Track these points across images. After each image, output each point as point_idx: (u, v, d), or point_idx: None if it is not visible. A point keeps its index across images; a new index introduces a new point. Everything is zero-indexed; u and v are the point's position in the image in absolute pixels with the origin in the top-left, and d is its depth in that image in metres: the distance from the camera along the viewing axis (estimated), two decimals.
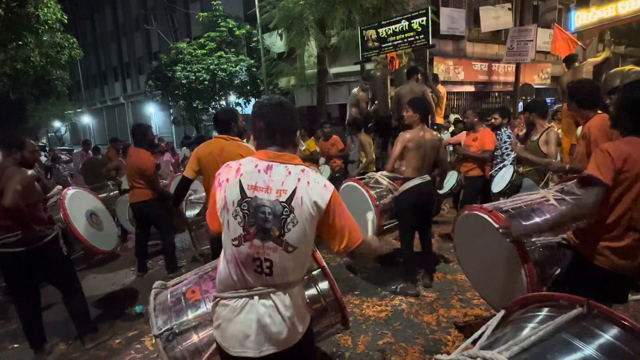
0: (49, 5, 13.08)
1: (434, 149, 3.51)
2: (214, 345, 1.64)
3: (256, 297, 1.38)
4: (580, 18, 10.03)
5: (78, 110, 32.67)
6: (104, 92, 34.33)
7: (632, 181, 1.76)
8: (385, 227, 3.90)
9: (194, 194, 4.71)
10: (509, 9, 14.76)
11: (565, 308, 1.10)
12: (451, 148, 6.57)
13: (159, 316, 1.83)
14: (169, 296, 1.96)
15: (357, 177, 4.19)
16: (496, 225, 2.16)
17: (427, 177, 3.56)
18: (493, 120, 4.81)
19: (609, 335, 1.01)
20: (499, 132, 4.65)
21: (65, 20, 14.11)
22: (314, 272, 2.04)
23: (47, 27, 13.21)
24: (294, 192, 1.34)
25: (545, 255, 2.13)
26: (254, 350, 1.36)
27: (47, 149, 17.00)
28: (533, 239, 2.10)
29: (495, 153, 4.57)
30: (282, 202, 1.34)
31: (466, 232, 2.60)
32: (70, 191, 4.35)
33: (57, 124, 28.42)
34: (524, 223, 2.19)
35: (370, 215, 1.88)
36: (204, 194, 3.42)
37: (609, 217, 1.82)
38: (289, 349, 1.41)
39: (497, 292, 2.37)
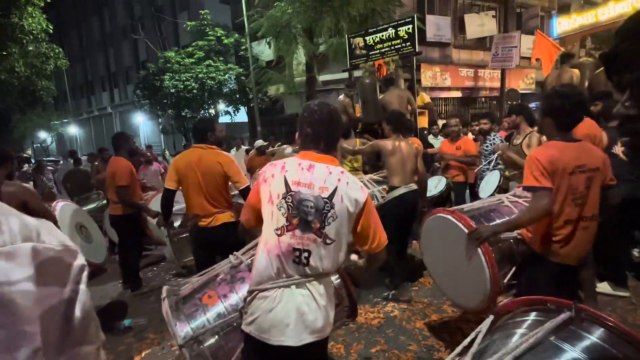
0: (33, 15, 12.95)
1: (411, 156, 3.60)
2: (240, 349, 1.70)
3: (293, 287, 1.46)
4: (562, 24, 10.29)
5: (64, 120, 32.22)
6: (91, 102, 33.95)
7: (560, 180, 1.98)
8: None
9: (175, 205, 4.66)
10: (493, 16, 15.07)
11: (553, 312, 1.10)
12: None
13: (178, 324, 1.77)
14: (181, 303, 1.91)
15: None
16: (460, 225, 2.35)
17: (413, 186, 3.60)
18: (482, 126, 4.87)
19: (596, 337, 1.02)
20: (488, 136, 4.71)
21: (51, 30, 13.97)
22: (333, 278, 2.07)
23: (32, 37, 13.07)
24: (335, 190, 1.47)
25: (505, 251, 2.35)
26: (294, 339, 1.43)
27: (33, 160, 16.71)
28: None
29: (484, 159, 4.64)
30: (324, 198, 1.46)
31: (431, 234, 2.74)
32: (59, 204, 4.28)
33: (42, 134, 27.97)
34: (485, 224, 2.39)
35: None
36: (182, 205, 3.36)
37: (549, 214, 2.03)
38: (321, 341, 1.50)
39: (463, 291, 2.51)
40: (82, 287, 0.61)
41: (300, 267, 1.47)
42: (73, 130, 33.31)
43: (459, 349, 1.16)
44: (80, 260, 0.62)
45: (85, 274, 0.62)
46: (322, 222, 1.45)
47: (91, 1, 30.43)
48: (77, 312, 0.59)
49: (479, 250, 2.23)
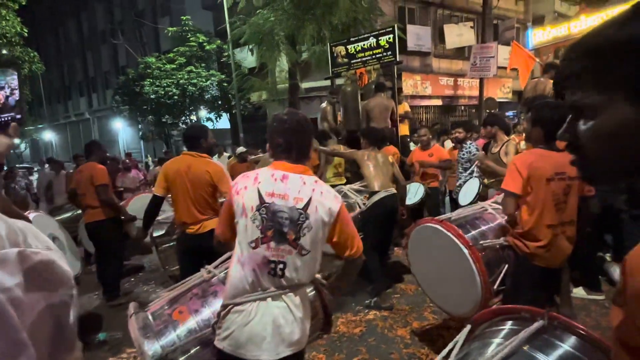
0: (7, 18, 12.58)
1: (386, 164, 3.76)
2: None
3: (269, 299, 1.44)
4: (537, 36, 10.66)
5: (39, 126, 31.28)
6: (68, 107, 33.10)
7: (536, 185, 2.09)
8: None
9: (162, 214, 4.57)
10: (471, 27, 15.48)
11: (528, 321, 1.12)
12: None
13: (146, 342, 1.69)
14: (151, 319, 1.82)
15: None
16: (450, 234, 2.41)
17: (392, 190, 3.71)
18: (457, 135, 4.95)
19: (569, 345, 1.04)
20: (465, 145, 4.78)
21: (25, 34, 13.59)
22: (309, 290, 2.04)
23: (5, 40, 12.68)
24: (309, 200, 1.46)
25: (493, 256, 2.42)
26: (271, 353, 1.41)
27: (6, 167, 16.11)
28: (480, 242, 2.40)
29: (460, 166, 4.71)
30: (299, 209, 1.45)
31: (420, 244, 2.79)
32: (31, 215, 4.12)
33: (16, 140, 27.04)
34: (472, 231, 2.51)
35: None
36: (172, 214, 3.31)
37: (531, 219, 2.15)
38: (298, 354, 1.48)
39: (454, 298, 2.56)
40: (75, 291, 0.60)
41: (275, 279, 1.45)
42: (49, 136, 32.37)
43: (438, 359, 1.16)
44: (66, 264, 0.60)
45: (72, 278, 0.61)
46: (297, 233, 1.45)
47: (69, 5, 29.79)
48: (71, 317, 0.59)
49: (469, 257, 2.30)
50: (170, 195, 2.95)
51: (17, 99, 0.95)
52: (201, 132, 3.00)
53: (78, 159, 6.87)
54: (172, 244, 4.18)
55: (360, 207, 3.81)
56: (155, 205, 2.98)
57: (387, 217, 3.69)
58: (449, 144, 5.54)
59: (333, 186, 4.53)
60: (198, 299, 1.89)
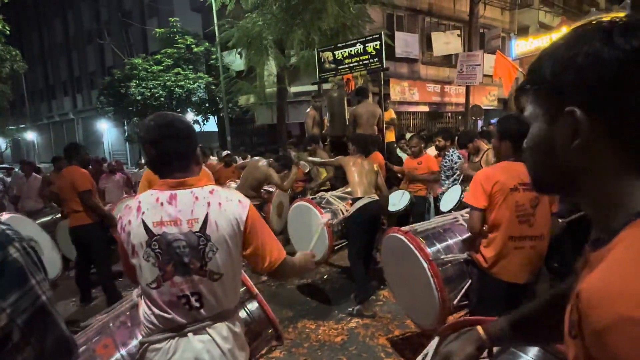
0: None
1: (371, 172, 3.79)
2: None
3: (190, 334, 1.28)
4: (520, 46, 10.88)
5: (21, 125, 30.54)
6: (52, 107, 32.42)
7: (502, 200, 2.09)
8: (336, 247, 3.96)
9: None
10: (458, 35, 15.71)
11: None
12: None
13: None
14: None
15: (309, 197, 4.23)
16: (411, 247, 2.41)
17: (374, 196, 3.73)
18: (437, 143, 5.01)
19: (530, 356, 1.06)
20: (447, 153, 4.83)
21: (8, 32, 13.28)
22: (246, 300, 1.94)
23: None
24: (206, 218, 1.25)
25: (455, 271, 2.42)
26: None
27: None
28: (442, 256, 2.40)
29: (443, 174, 4.76)
30: (196, 232, 1.25)
31: (389, 253, 2.82)
32: (4, 217, 4.00)
33: None
34: (437, 245, 2.51)
35: (317, 230, 1.87)
36: None
37: (495, 233, 2.15)
38: None
39: (417, 309, 2.60)
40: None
41: (193, 312, 1.27)
42: (31, 136, 31.64)
43: None
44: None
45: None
46: (201, 260, 1.25)
47: (55, 3, 29.26)
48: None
49: (428, 272, 2.30)
50: None
51: None
52: None
53: (59, 162, 6.58)
54: None
55: (343, 213, 3.81)
56: None
57: (370, 223, 3.71)
58: (432, 151, 5.59)
59: (318, 192, 4.56)
60: (126, 329, 1.67)
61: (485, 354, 1.12)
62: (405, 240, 2.46)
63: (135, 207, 1.29)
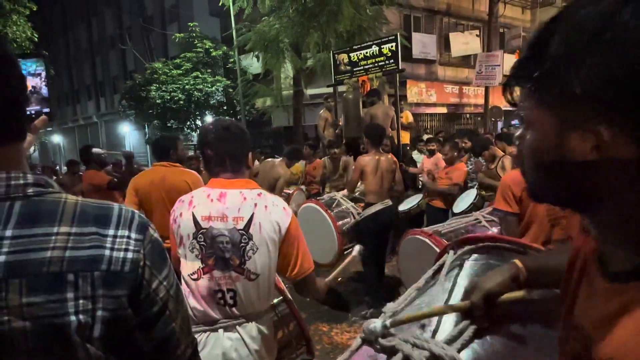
0: (18, 23, 12.81)
1: (389, 171, 3.63)
2: None
3: (221, 331, 1.33)
4: None
5: (48, 129, 31.67)
6: (77, 111, 33.53)
7: (533, 203, 1.97)
8: (345, 252, 3.91)
9: None
10: (477, 35, 15.48)
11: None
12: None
13: None
14: None
15: (317, 198, 4.16)
16: (436, 248, 2.35)
17: (389, 202, 3.64)
18: (462, 144, 4.93)
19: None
20: (471, 156, 4.76)
21: (36, 39, 13.82)
22: (275, 301, 1.97)
23: (15, 45, 12.89)
24: (251, 218, 1.32)
25: None
26: None
27: None
28: None
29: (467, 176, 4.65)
30: (240, 229, 1.31)
31: (409, 255, 2.76)
32: None
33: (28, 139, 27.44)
34: None
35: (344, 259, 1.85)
36: None
37: (526, 238, 2.02)
38: None
39: None
40: None
41: (226, 309, 1.33)
42: (57, 139, 32.78)
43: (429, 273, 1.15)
44: None
45: None
46: (241, 257, 1.31)
47: (80, 10, 30.31)
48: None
49: None
50: (142, 209, 2.76)
51: (46, 93, 0.95)
52: (170, 142, 2.90)
53: (73, 166, 6.65)
54: None
55: (354, 216, 3.77)
56: None
57: (382, 229, 3.64)
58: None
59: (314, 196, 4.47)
60: None
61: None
62: (430, 243, 2.42)
63: (188, 201, 1.39)
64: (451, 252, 1.21)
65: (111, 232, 0.66)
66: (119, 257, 0.64)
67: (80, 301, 0.60)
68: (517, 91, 0.47)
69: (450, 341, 0.81)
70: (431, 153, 5.10)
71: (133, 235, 0.67)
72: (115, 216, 0.68)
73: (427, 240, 2.47)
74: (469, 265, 1.08)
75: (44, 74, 0.98)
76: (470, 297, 0.81)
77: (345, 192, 4.02)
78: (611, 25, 0.36)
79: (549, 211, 2.02)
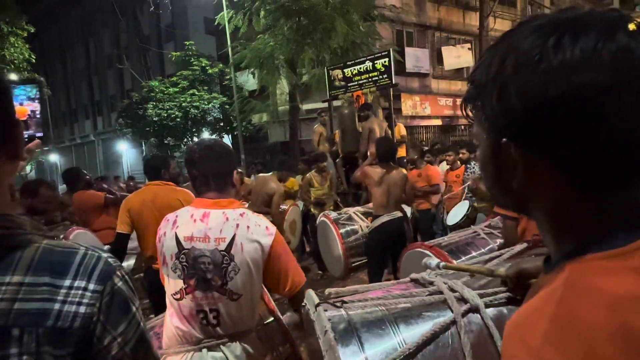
0: (16, 45, 12.96)
1: (397, 185, 3.57)
2: None
3: (204, 350, 1.32)
4: None
5: (45, 148, 31.68)
6: (74, 130, 33.65)
7: None
8: (353, 265, 3.91)
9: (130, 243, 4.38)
10: (469, 48, 15.75)
11: None
12: None
13: None
14: None
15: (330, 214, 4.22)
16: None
17: (397, 214, 3.57)
18: (461, 155, 5.00)
19: None
20: (468, 165, 4.82)
21: (34, 60, 13.97)
22: (268, 321, 1.96)
23: (12, 66, 13.02)
24: (232, 239, 1.32)
25: None
26: None
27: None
28: None
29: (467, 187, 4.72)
30: (222, 250, 1.31)
31: (411, 269, 2.70)
32: (74, 232, 4.02)
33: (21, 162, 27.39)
34: (462, 257, 2.50)
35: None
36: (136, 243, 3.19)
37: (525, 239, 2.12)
38: None
39: None
40: None
41: (209, 328, 1.33)
42: (54, 157, 32.78)
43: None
44: None
45: None
46: (223, 278, 1.31)
47: (77, 31, 30.71)
48: None
49: None
50: (135, 230, 2.77)
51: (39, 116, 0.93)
52: (162, 162, 2.90)
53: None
54: (140, 275, 3.92)
55: (362, 230, 3.79)
56: (120, 244, 2.74)
57: (390, 241, 3.55)
58: (444, 166, 5.57)
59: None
60: (157, 339, 1.72)
61: None
62: (432, 255, 2.44)
63: (172, 220, 1.40)
64: (525, 244, 1.44)
65: (67, 282, 0.60)
66: (69, 312, 0.59)
67: (24, 357, 0.55)
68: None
69: (482, 295, 0.98)
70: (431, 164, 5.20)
71: (91, 286, 0.62)
72: (76, 264, 0.62)
73: (428, 253, 2.48)
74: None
75: (38, 100, 0.96)
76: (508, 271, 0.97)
77: (359, 207, 4.07)
78: (504, 69, 0.44)
79: None
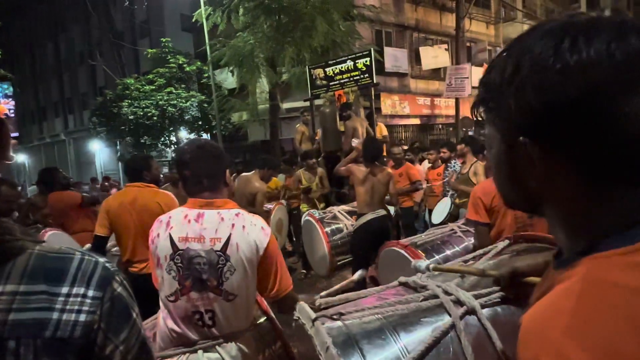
0: None
1: (382, 184, 3.62)
2: None
3: (200, 352, 1.31)
4: None
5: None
6: (43, 129, 32.30)
7: (501, 211, 2.12)
8: (339, 263, 3.93)
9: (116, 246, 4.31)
10: (446, 49, 16.07)
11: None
12: None
13: None
14: None
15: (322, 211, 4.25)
16: (411, 259, 2.40)
17: (381, 212, 3.62)
18: (442, 154, 5.09)
19: None
20: (449, 164, 4.91)
21: (0, 55, 13.35)
22: (259, 321, 1.95)
23: None
24: (228, 239, 1.31)
25: None
26: None
27: None
28: None
29: (447, 185, 4.82)
30: (217, 250, 1.30)
31: (387, 266, 2.82)
32: (48, 233, 3.86)
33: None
34: (436, 256, 2.55)
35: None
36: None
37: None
38: None
39: None
40: None
41: (204, 329, 1.32)
42: (21, 157, 31.39)
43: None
44: None
45: None
46: (219, 279, 1.30)
47: (46, 26, 29.46)
48: None
49: None
50: (114, 232, 2.71)
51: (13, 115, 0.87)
52: (143, 163, 2.82)
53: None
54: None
55: (347, 229, 3.81)
56: (98, 248, 2.66)
57: (374, 239, 3.54)
58: (425, 164, 5.66)
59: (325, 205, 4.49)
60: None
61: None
62: (406, 254, 2.47)
63: (166, 222, 1.37)
64: (506, 240, 1.44)
65: (64, 290, 0.58)
66: (69, 321, 0.57)
67: None
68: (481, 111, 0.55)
69: (477, 296, 0.99)
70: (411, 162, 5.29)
71: (90, 292, 0.59)
72: (73, 270, 0.60)
73: (403, 252, 2.53)
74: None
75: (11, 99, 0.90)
76: (500, 270, 0.97)
77: (343, 206, 4.08)
78: (520, 70, 0.45)
79: (518, 219, 2.12)
